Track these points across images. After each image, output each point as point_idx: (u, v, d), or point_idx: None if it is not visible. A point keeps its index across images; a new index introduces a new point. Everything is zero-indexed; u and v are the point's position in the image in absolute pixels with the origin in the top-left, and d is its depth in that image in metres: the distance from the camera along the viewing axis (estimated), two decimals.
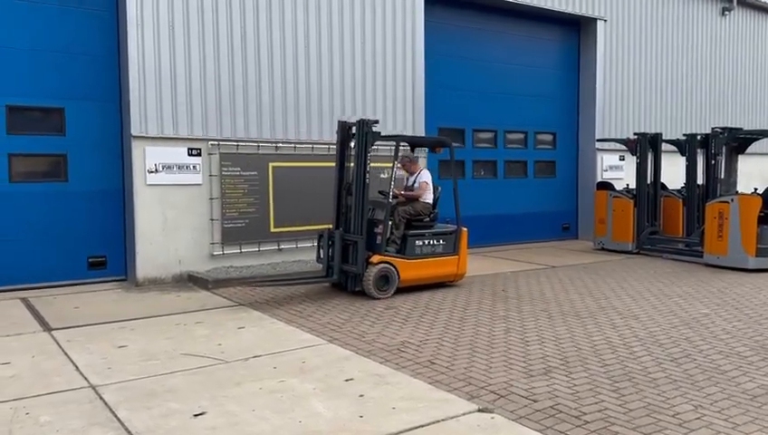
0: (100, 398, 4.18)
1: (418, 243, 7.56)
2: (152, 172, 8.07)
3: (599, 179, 12.63)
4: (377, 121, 7.35)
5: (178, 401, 4.12)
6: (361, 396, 4.20)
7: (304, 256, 9.38)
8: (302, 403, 4.07)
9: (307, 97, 9.35)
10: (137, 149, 7.95)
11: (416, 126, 10.40)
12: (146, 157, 8.01)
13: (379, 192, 7.86)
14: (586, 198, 12.80)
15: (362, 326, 6.05)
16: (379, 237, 7.31)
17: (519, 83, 12.24)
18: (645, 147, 11.13)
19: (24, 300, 7.20)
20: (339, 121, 7.71)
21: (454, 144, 11.38)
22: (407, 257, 7.45)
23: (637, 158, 11.18)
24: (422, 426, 3.72)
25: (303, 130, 9.35)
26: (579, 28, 13.04)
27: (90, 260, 8.21)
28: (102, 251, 8.29)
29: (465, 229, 7.95)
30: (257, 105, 8.91)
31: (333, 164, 9.45)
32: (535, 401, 4.11)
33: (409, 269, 7.43)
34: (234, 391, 4.31)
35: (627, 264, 9.97)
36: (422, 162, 9.28)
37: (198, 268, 8.48)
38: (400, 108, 10.25)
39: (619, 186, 11.76)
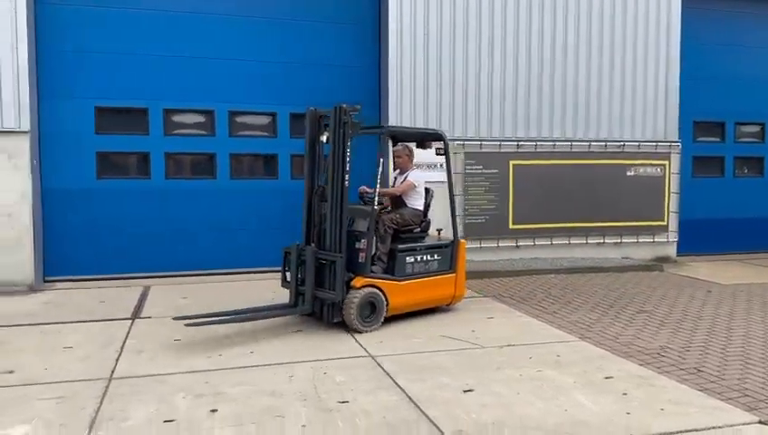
0: (380, 366, 4.78)
1: (410, 259, 6.10)
2: None
3: None
4: (357, 109, 5.81)
5: (447, 376, 4.54)
6: (625, 394, 4.19)
7: (542, 253, 9.43)
8: (564, 394, 4.21)
9: (551, 94, 9.35)
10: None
11: (668, 118, 9.76)
12: None
13: (361, 195, 6.30)
14: None
15: (614, 328, 5.96)
16: (361, 254, 5.86)
17: None
18: None
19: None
20: (308, 110, 6.05)
21: (711, 139, 10.59)
22: (396, 278, 5.98)
23: None
24: (696, 430, 3.62)
25: (545, 127, 9.38)
26: None
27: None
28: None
29: (463, 241, 6.63)
30: (500, 105, 9.17)
31: (576, 162, 9.49)
32: None
33: (400, 293, 5.94)
34: (495, 374, 4.60)
35: None
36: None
37: None
38: (651, 100, 9.69)
39: None
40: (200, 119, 8.65)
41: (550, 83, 9.36)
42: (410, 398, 4.14)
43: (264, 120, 8.90)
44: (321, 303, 5.77)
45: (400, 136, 6.83)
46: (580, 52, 9.41)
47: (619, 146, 9.57)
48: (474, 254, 9.16)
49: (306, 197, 5.95)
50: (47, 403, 4.01)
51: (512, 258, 9.35)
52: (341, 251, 5.62)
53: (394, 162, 6.76)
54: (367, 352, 5.15)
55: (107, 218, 8.20)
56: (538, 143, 9.37)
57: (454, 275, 6.42)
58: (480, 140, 9.15)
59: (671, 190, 9.78)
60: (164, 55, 8.32)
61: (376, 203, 5.88)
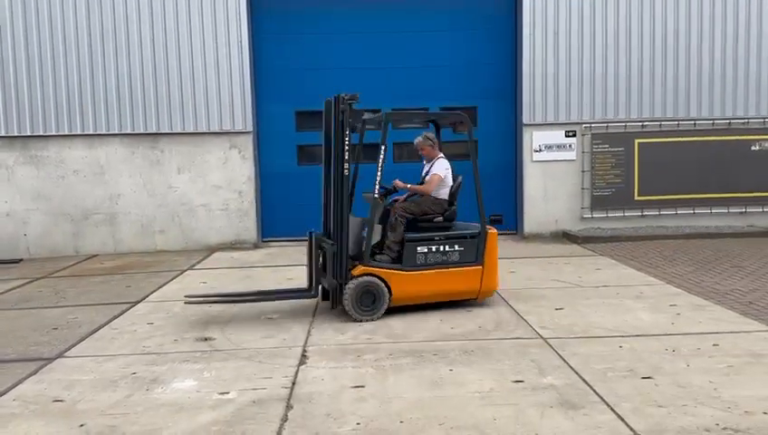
0: (499, 294, 6.64)
1: (421, 249, 5.88)
2: (537, 151, 10.43)
3: None
4: (354, 97, 5.74)
5: (546, 301, 6.31)
6: (678, 314, 5.68)
7: (667, 222, 10.49)
8: (631, 313, 5.80)
9: (674, 78, 10.33)
10: (526, 134, 10.40)
11: None
12: (533, 140, 10.40)
13: (393, 188, 6.32)
14: None
15: (702, 277, 7.23)
16: (365, 243, 5.87)
17: None
18: None
19: None
20: (326, 101, 6.02)
21: None
22: (404, 268, 5.85)
23: None
24: (717, 333, 5.07)
25: (670, 108, 10.39)
26: None
27: (491, 217, 11.00)
28: (500, 210, 10.97)
29: (493, 232, 6.35)
30: (626, 91, 10.36)
31: (700, 139, 10.39)
32: None
33: (407, 283, 5.84)
34: (584, 301, 6.27)
35: None
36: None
37: (570, 227, 10.53)
38: None
39: None
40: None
41: (674, 68, 10.33)
42: (515, 310, 6.00)
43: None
44: (334, 289, 5.81)
45: (414, 121, 7.15)
46: (704, 36, 10.25)
47: (744, 123, 10.29)
48: (601, 222, 10.55)
49: (323, 184, 6.02)
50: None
51: (637, 226, 10.55)
52: (341, 239, 5.71)
53: (423, 152, 6.55)
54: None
55: (304, 196, 10.86)
56: (662, 123, 10.42)
57: (480, 267, 6.05)
58: (606, 123, 10.43)
59: None
60: (347, 67, 10.58)
61: (376, 192, 5.86)
